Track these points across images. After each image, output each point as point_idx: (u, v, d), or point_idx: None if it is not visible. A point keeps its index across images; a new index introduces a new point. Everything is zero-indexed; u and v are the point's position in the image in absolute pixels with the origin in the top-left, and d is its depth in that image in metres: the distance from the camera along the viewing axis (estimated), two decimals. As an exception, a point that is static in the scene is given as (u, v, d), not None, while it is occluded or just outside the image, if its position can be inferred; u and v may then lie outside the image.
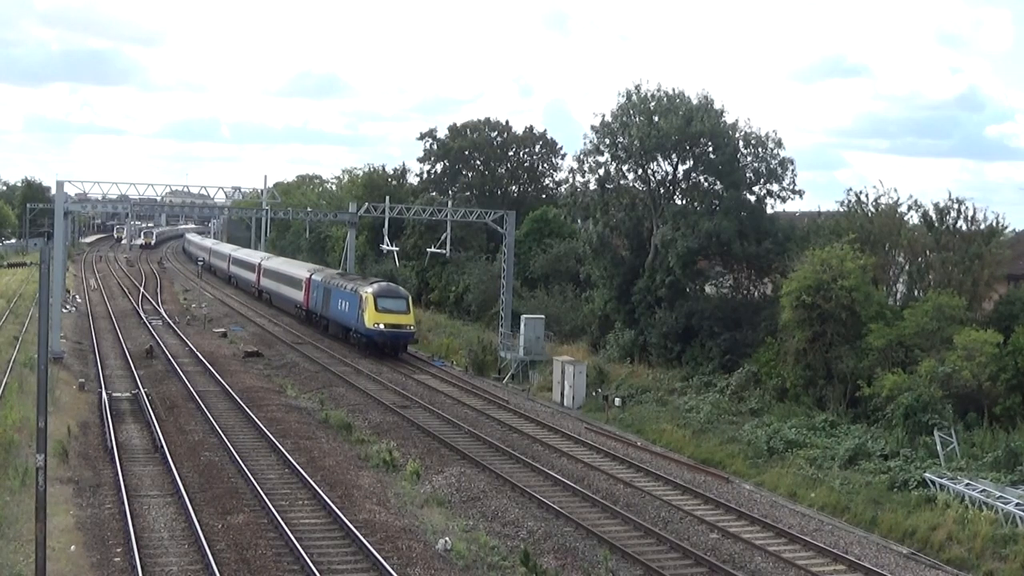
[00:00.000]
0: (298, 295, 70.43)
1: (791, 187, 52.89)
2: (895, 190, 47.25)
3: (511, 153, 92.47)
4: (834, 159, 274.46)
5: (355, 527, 24.83)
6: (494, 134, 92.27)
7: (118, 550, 23.64)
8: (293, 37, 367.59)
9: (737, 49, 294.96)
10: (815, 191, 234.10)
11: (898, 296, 45.06)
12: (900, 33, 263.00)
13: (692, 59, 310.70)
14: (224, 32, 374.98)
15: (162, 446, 32.47)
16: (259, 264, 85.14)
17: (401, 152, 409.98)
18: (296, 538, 23.96)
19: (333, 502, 26.99)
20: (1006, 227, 44.08)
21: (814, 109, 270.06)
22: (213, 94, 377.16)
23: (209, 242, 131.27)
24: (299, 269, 74.32)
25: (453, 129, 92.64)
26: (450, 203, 76.52)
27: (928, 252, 43.83)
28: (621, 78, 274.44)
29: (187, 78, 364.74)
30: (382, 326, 54.09)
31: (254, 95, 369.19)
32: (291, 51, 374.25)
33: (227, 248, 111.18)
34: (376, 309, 53.97)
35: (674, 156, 54.06)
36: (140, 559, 22.38)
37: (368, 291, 54.77)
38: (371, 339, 55.06)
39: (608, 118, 55.43)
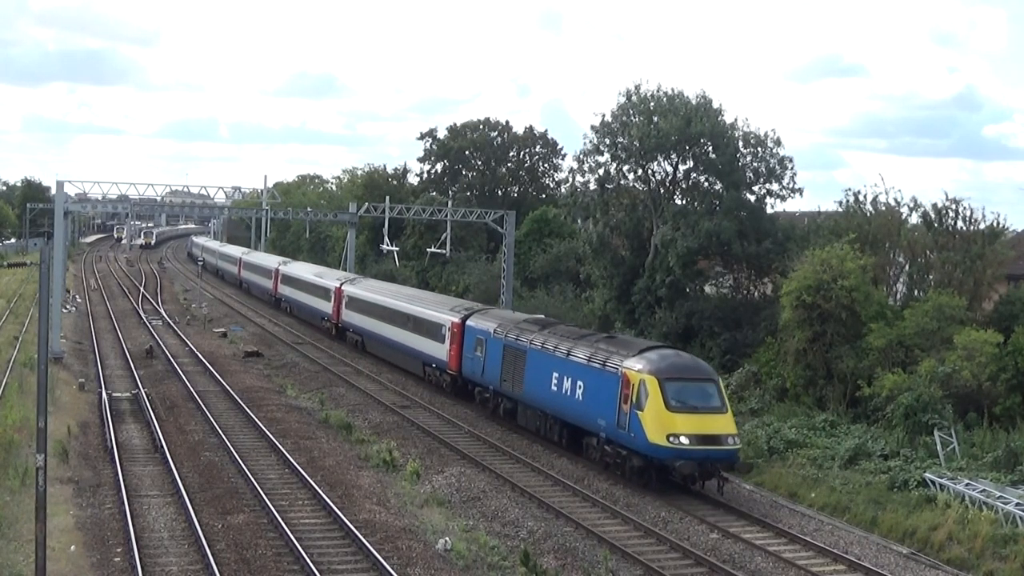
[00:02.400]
0: (326, 307, 61.87)
1: (791, 186, 52.95)
2: (898, 190, 47.41)
3: (511, 153, 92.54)
4: (833, 159, 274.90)
5: (355, 527, 24.83)
6: (494, 134, 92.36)
7: (118, 550, 23.63)
8: (289, 37, 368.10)
9: (733, 49, 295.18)
10: (814, 191, 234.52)
11: (898, 296, 45.07)
12: (896, 32, 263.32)
13: (689, 59, 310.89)
14: (220, 32, 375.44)
15: (162, 446, 32.47)
16: (276, 270, 77.35)
17: (400, 152, 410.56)
18: (296, 538, 23.95)
19: (333, 502, 26.98)
20: (1007, 227, 44.12)
21: (811, 109, 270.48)
22: (211, 94, 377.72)
23: (216, 244, 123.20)
24: (327, 279, 64.42)
25: (453, 129, 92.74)
26: (450, 203, 76.63)
27: (928, 252, 43.85)
28: (619, 78, 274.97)
29: (184, 78, 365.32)
30: (683, 439, 28.87)
31: (252, 95, 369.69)
32: (288, 51, 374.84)
33: (237, 251, 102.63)
34: (667, 405, 29.17)
35: (674, 156, 54.09)
36: (140, 559, 22.37)
37: (640, 367, 30.01)
38: (657, 462, 29.56)
39: (608, 118, 55.47)
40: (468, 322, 42.02)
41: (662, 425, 28.99)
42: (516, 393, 37.08)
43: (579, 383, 32.56)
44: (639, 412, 29.35)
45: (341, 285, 59.63)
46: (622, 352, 31.55)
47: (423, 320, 46.44)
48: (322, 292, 63.59)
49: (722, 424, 29.76)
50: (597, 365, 31.72)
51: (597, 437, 31.84)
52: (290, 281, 72.49)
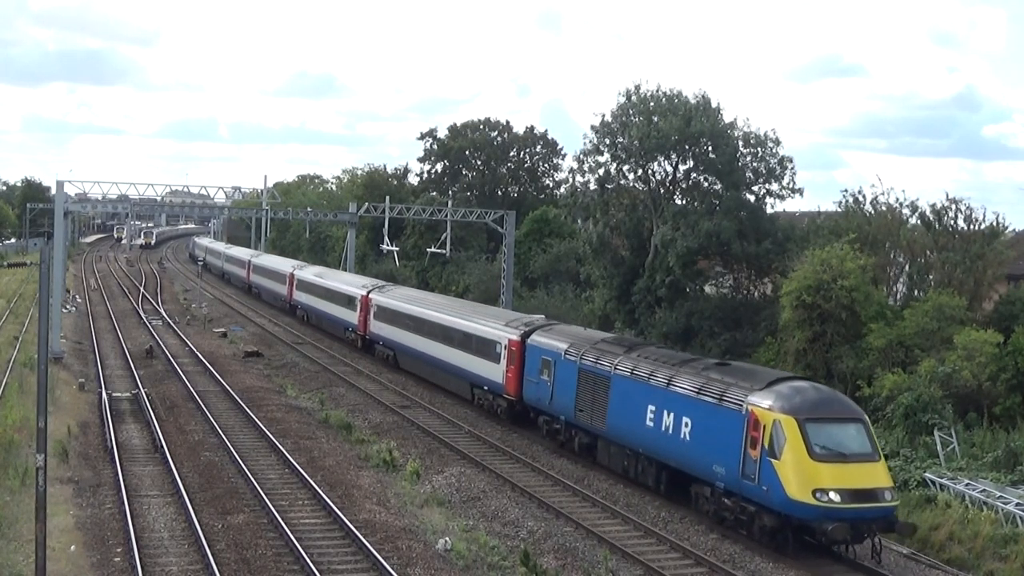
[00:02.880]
0: (350, 316, 56.65)
1: (790, 186, 53.01)
2: (901, 190, 47.57)
3: (511, 153, 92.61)
4: (833, 159, 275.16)
5: (355, 527, 24.82)
6: (494, 134, 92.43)
7: (118, 550, 23.62)
8: (289, 37, 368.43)
9: (733, 49, 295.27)
10: (814, 191, 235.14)
11: (898, 296, 45.10)
12: (895, 32, 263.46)
13: (689, 59, 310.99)
14: (220, 32, 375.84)
15: (162, 446, 32.45)
16: (291, 274, 71.88)
17: (400, 152, 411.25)
18: (296, 538, 23.94)
19: (333, 502, 26.97)
20: (1007, 227, 44.16)
21: (811, 109, 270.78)
22: (210, 94, 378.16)
23: (221, 246, 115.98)
24: (351, 285, 58.72)
25: (453, 129, 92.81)
26: (450, 203, 76.67)
27: (928, 252, 43.89)
28: (618, 78, 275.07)
29: (183, 78, 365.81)
30: (833, 495, 23.64)
31: (251, 95, 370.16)
32: (287, 51, 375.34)
33: (246, 253, 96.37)
34: (810, 452, 23.93)
35: (674, 156, 54.17)
36: (140, 559, 22.36)
37: (772, 404, 24.70)
38: (799, 522, 24.31)
39: (608, 118, 55.57)
40: (530, 340, 36.23)
41: (806, 478, 23.62)
42: (596, 427, 31.43)
43: (685, 420, 27.07)
44: (774, 461, 24.00)
45: (368, 293, 53.89)
46: (744, 384, 25.96)
47: (473, 336, 40.45)
48: (345, 300, 57.90)
49: (877, 475, 24.48)
50: (711, 399, 26.24)
51: (711, 487, 26.42)
52: (307, 287, 67.17)
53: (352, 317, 56.04)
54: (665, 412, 27.77)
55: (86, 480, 29.16)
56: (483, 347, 39.38)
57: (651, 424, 28.36)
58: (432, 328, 44.79)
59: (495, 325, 39.44)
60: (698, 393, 26.80)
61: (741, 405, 25.23)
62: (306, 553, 22.90)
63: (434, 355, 44.51)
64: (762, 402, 24.82)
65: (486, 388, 39.56)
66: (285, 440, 34.10)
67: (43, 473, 19.28)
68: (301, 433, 35.78)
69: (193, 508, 26.00)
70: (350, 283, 59.29)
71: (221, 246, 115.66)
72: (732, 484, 25.45)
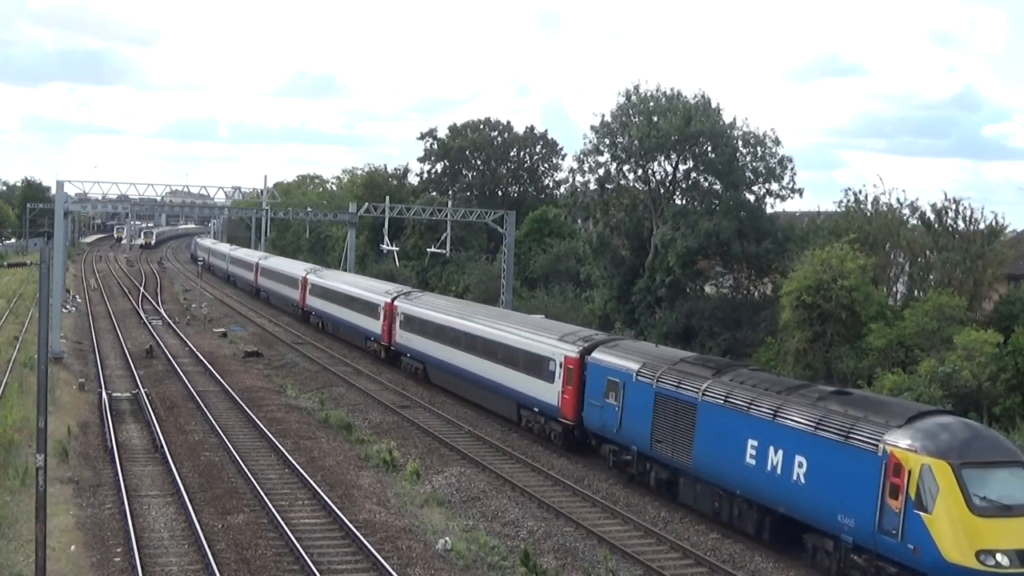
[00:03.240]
0: (373, 326, 52.42)
1: (790, 186, 53.06)
2: (902, 191, 47.55)
3: (511, 153, 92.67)
4: (832, 159, 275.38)
5: (355, 527, 24.82)
6: (494, 134, 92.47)
7: (118, 550, 23.62)
8: (288, 37, 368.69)
9: (732, 48, 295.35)
10: (813, 191, 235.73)
11: (898, 296, 45.11)
12: (894, 32, 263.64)
13: (688, 59, 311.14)
14: (219, 32, 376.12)
15: (162, 446, 32.45)
16: (303, 279, 67.75)
17: (399, 152, 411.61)
18: (296, 538, 23.95)
19: (333, 502, 26.97)
20: (1007, 227, 44.18)
21: (810, 109, 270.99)
22: (210, 94, 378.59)
23: (226, 247, 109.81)
24: (374, 292, 54.35)
25: (453, 129, 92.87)
26: (450, 203, 76.71)
27: (928, 252, 43.90)
28: (618, 78, 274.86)
29: (183, 78, 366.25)
30: (1001, 558, 19.67)
31: (251, 95, 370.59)
32: (286, 51, 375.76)
33: (254, 255, 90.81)
34: (970, 505, 20.06)
35: (674, 156, 54.22)
36: (140, 559, 22.36)
37: (917, 444, 21.00)
38: None
39: (608, 118, 55.61)
40: (592, 357, 32.29)
41: (966, 537, 19.68)
42: (679, 461, 27.46)
43: (799, 459, 23.22)
44: (923, 515, 20.14)
45: (393, 300, 49.95)
46: (877, 419, 22.11)
47: (521, 351, 36.40)
48: (367, 308, 53.51)
49: None
50: (834, 436, 22.41)
51: (835, 540, 22.54)
52: (323, 293, 62.76)
53: (374, 326, 51.97)
54: (771, 449, 23.88)
55: (86, 480, 29.16)
56: (534, 364, 35.35)
57: (752, 462, 24.48)
58: (471, 340, 40.68)
59: (548, 339, 35.28)
60: (816, 428, 22.92)
61: (876, 445, 21.35)
62: (306, 553, 22.90)
63: (473, 371, 40.28)
64: (903, 442, 20.95)
65: (536, 410, 35.42)
66: (285, 440, 34.10)
67: (43, 473, 19.28)
68: (301, 433, 35.78)
69: (193, 508, 26.01)
70: (372, 289, 55.23)
71: (226, 247, 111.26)
72: (864, 539, 21.56)
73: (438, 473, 31.08)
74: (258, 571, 22.31)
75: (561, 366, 33.46)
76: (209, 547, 23.11)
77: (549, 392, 34.28)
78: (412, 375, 47.60)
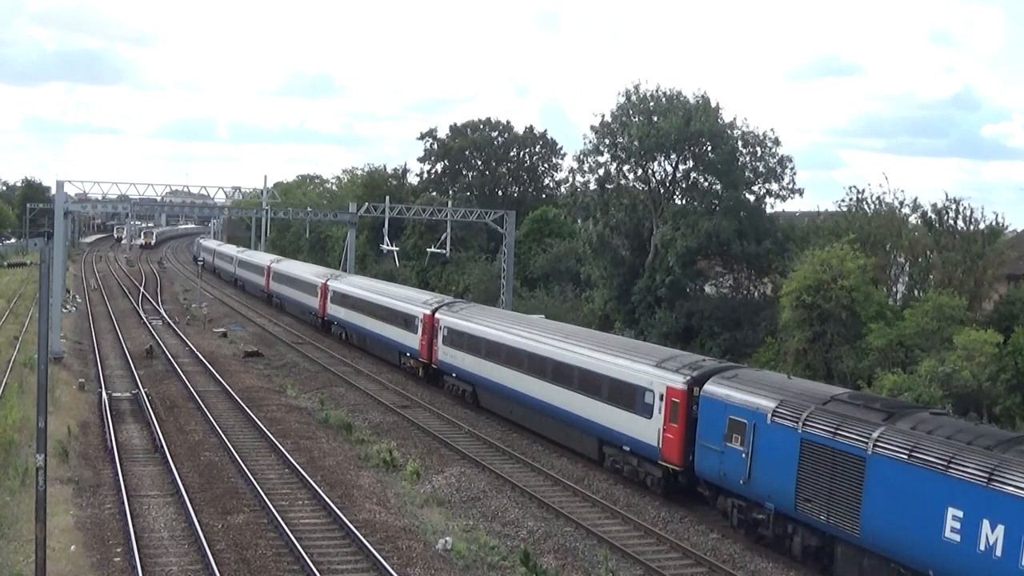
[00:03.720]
0: (411, 340, 46.95)
1: (790, 186, 53.09)
2: (901, 190, 47.60)
3: (511, 153, 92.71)
4: (831, 159, 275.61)
5: (355, 527, 24.82)
6: (494, 134, 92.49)
7: (118, 550, 23.63)
8: (287, 36, 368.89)
9: (730, 48, 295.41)
10: (813, 191, 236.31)
11: (898, 296, 45.11)
12: (892, 31, 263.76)
13: (686, 58, 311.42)
14: (216, 31, 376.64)
15: (162, 446, 32.45)
16: (323, 286, 62.85)
17: (399, 152, 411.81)
18: (296, 538, 23.95)
19: (333, 502, 26.97)
20: (1007, 227, 44.21)
21: (809, 109, 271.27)
22: (208, 94, 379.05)
23: (233, 249, 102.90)
24: (409, 303, 48.60)
25: (454, 129, 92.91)
26: (450, 203, 76.72)
27: (928, 252, 43.91)
28: (616, 77, 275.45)
29: (181, 78, 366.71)
30: None
31: (249, 95, 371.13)
32: (285, 51, 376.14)
33: (264, 258, 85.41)
34: None
35: (673, 156, 54.24)
36: (140, 559, 22.37)
37: None
38: None
39: (607, 118, 55.62)
40: (705, 390, 26.99)
41: None
42: (839, 527, 22.35)
43: None
44: None
45: (435, 312, 44.79)
46: None
47: (607, 377, 31.16)
48: (402, 319, 48.28)
49: None
50: None
51: None
52: (348, 301, 57.96)
53: (411, 340, 46.68)
54: (985, 523, 18.89)
55: (86, 480, 29.15)
56: (624, 394, 30.32)
57: (955, 537, 19.37)
58: (537, 361, 35.40)
59: (643, 365, 30.13)
60: None
61: None
62: (306, 553, 22.90)
63: (540, 397, 35.05)
64: None
65: (627, 449, 30.30)
66: (285, 440, 34.10)
67: (43, 473, 19.27)
68: (301, 433, 35.78)
69: (193, 508, 26.01)
70: (407, 298, 49.70)
71: (233, 248, 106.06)
72: None
73: (438, 473, 31.08)
74: (258, 571, 22.31)
75: (663, 399, 28.46)
76: (209, 547, 23.11)
77: (645, 429, 29.12)
78: (458, 397, 42.56)
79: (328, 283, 61.85)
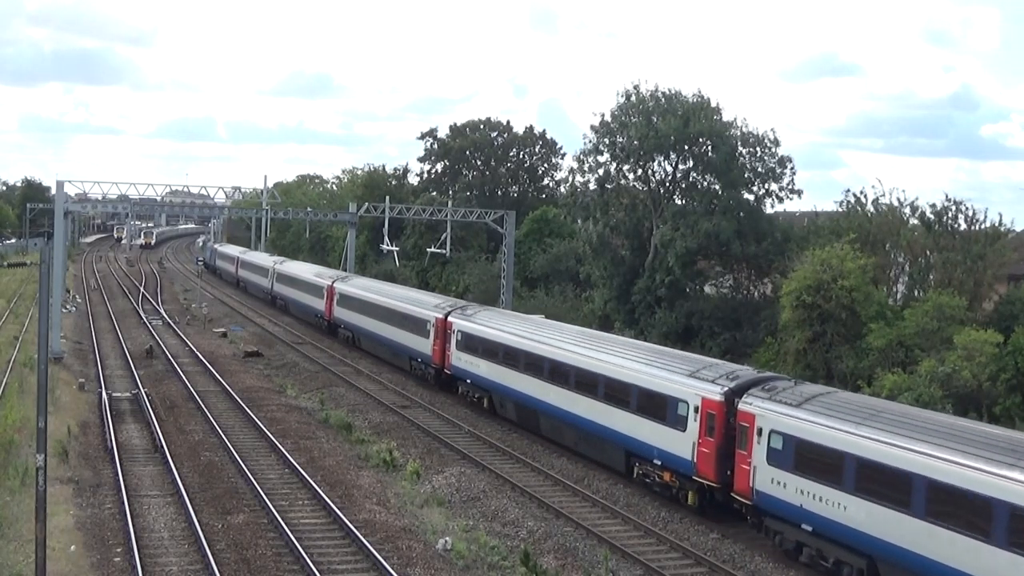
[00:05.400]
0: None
1: (790, 186, 53.13)
2: (901, 190, 47.65)
3: (511, 153, 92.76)
4: (830, 159, 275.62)
5: (355, 527, 24.83)
6: (494, 134, 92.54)
7: (118, 550, 23.63)
8: (285, 36, 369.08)
9: (727, 48, 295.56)
10: (811, 191, 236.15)
11: (898, 296, 45.15)
12: (889, 31, 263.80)
13: (684, 58, 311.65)
14: (214, 31, 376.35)
15: (162, 446, 32.46)
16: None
17: (398, 152, 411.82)
18: (296, 538, 23.96)
19: (333, 502, 26.97)
20: (1009, 228, 44.26)
21: (807, 109, 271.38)
22: (207, 94, 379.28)
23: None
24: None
25: (454, 129, 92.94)
26: (450, 203, 76.75)
27: (929, 252, 43.96)
28: (614, 77, 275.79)
29: (179, 77, 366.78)
30: None
31: (247, 94, 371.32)
32: (283, 50, 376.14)
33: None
34: None
35: (673, 156, 54.27)
36: (140, 559, 22.37)
37: None
38: None
39: (607, 118, 55.65)
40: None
41: None
42: None
43: None
44: None
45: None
46: None
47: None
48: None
49: None
50: None
51: None
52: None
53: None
54: None
55: (86, 480, 29.16)
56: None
57: None
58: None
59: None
60: None
61: None
62: (306, 553, 22.91)
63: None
64: None
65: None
66: (285, 440, 34.10)
67: (43, 473, 19.27)
68: (301, 433, 35.78)
69: (193, 508, 26.01)
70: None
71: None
72: None
73: (438, 473, 31.08)
74: (258, 571, 22.31)
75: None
76: (209, 547, 23.12)
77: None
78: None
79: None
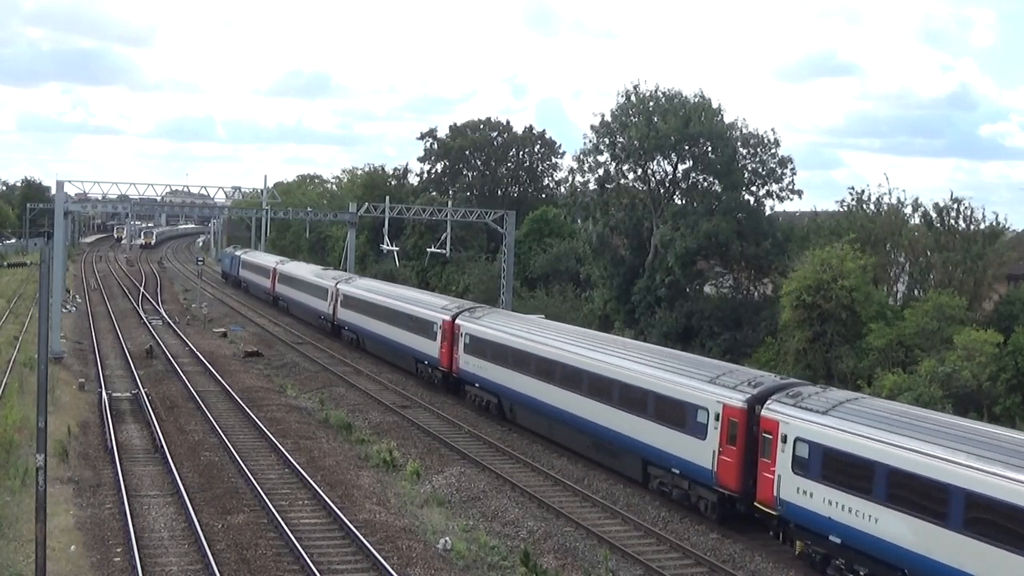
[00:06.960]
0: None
1: (790, 187, 53.14)
2: (902, 190, 47.69)
3: (511, 153, 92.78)
4: (829, 159, 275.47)
5: (355, 527, 24.82)
6: (494, 134, 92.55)
7: (118, 550, 23.63)
8: (283, 36, 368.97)
9: (725, 47, 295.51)
10: (811, 191, 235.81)
11: (898, 296, 45.15)
12: (887, 31, 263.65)
13: (683, 58, 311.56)
14: (213, 31, 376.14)
15: (162, 446, 32.46)
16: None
17: (397, 152, 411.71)
18: (296, 538, 23.95)
19: (333, 502, 26.97)
20: (1008, 228, 44.29)
21: (805, 108, 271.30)
22: (205, 93, 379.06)
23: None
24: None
25: (454, 129, 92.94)
26: (450, 203, 76.74)
27: (929, 252, 43.97)
28: (613, 77, 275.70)
29: (178, 77, 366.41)
30: None
31: (246, 94, 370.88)
32: (281, 50, 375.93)
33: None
34: None
35: (673, 156, 54.28)
36: (140, 559, 22.37)
37: None
38: None
39: (607, 118, 55.65)
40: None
41: None
42: None
43: None
44: None
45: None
46: None
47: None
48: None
49: None
50: None
51: None
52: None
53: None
54: None
55: (86, 480, 29.16)
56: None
57: None
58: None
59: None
60: None
61: None
62: (306, 553, 22.91)
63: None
64: None
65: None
66: (285, 440, 34.10)
67: (43, 473, 19.27)
68: (301, 433, 35.78)
69: (193, 508, 26.01)
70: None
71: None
72: None
73: (438, 473, 31.08)
74: (258, 571, 22.31)
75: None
76: (209, 547, 23.11)
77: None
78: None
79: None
